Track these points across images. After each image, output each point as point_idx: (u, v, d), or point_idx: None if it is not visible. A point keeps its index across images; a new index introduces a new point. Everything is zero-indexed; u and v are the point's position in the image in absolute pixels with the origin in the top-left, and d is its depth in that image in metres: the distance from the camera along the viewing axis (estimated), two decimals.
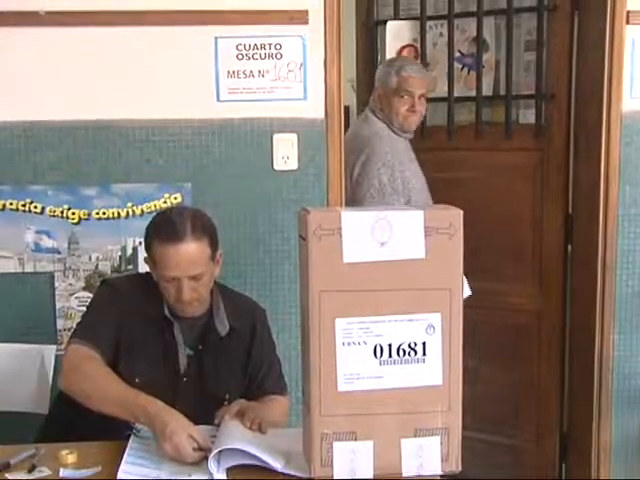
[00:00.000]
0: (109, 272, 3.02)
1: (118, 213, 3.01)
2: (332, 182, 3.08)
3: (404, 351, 1.87)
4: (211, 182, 3.04)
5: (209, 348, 2.38)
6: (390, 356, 1.87)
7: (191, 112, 3.01)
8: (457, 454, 1.91)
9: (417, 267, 1.85)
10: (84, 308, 2.52)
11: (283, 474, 1.92)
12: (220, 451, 1.93)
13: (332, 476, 1.87)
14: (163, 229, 2.28)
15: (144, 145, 3.01)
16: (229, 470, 1.93)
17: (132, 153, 3.01)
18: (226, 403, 2.32)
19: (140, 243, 2.93)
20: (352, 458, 1.87)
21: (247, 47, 3.01)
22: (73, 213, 3.00)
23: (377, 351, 1.86)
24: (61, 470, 1.96)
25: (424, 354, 1.88)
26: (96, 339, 2.26)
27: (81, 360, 2.22)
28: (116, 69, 2.97)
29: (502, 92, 3.53)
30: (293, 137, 3.06)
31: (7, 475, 1.94)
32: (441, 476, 1.91)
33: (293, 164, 3.07)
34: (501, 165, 3.45)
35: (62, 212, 2.99)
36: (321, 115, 3.06)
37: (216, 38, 3.00)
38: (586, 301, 3.31)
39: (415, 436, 1.89)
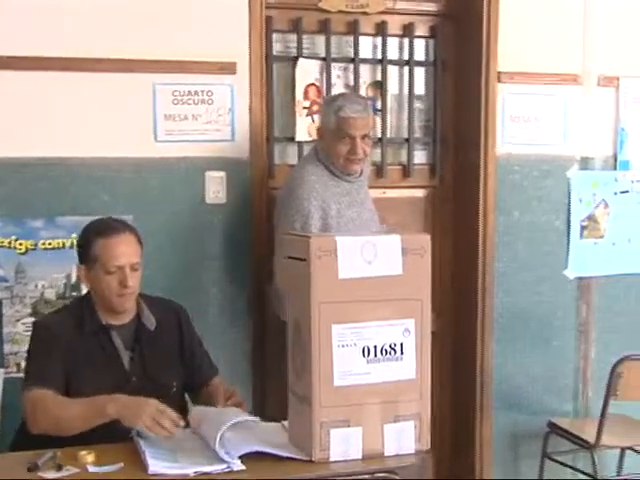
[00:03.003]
0: (54, 299, 3.22)
1: (63, 243, 3.22)
2: (257, 214, 3.45)
3: (386, 351, 2.27)
4: (150, 214, 3.32)
5: (144, 344, 2.66)
6: (375, 355, 2.25)
7: (131, 151, 3.30)
8: (427, 436, 2.33)
9: (396, 281, 2.26)
10: (30, 333, 2.72)
11: (288, 458, 2.25)
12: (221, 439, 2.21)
13: (329, 458, 2.23)
14: (102, 227, 2.62)
15: (88, 181, 3.26)
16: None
17: (77, 188, 3.25)
18: (174, 390, 2.66)
19: None
20: (345, 442, 2.24)
21: (182, 93, 3.35)
22: (20, 244, 3.19)
23: (365, 352, 2.25)
24: (89, 467, 2.19)
25: (402, 353, 2.28)
26: (47, 380, 2.48)
27: (40, 401, 2.45)
28: (63, 111, 3.22)
29: (391, 135, 3.82)
30: (222, 174, 3.41)
31: (40, 474, 2.15)
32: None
33: (222, 198, 3.42)
34: (398, 202, 3.84)
35: (9, 243, 3.18)
36: (247, 154, 3.43)
37: (154, 84, 3.31)
38: (469, 317, 3.84)
39: (395, 422, 2.29)
